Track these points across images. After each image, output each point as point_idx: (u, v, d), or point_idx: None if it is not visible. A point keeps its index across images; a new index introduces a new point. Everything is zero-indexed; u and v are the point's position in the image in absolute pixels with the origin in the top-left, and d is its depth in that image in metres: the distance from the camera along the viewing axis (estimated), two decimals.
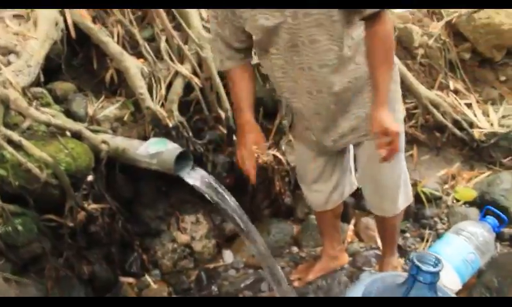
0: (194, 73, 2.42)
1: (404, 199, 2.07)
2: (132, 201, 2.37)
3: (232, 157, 2.46)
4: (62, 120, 2.02)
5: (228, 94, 2.42)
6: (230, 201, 2.08)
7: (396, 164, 1.91)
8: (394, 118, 1.68)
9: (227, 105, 2.44)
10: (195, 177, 2.07)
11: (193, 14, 2.52)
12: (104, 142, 2.06)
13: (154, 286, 2.30)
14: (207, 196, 2.03)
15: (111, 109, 2.34)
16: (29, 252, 1.87)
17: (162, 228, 2.39)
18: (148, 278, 2.31)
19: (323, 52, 1.62)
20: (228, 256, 2.52)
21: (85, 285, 2.08)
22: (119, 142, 2.20)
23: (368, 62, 1.65)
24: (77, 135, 2.03)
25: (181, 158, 2.04)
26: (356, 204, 2.63)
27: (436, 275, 1.22)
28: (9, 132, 1.83)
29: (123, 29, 2.46)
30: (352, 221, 2.62)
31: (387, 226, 2.17)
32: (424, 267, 1.21)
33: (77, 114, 2.23)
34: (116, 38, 2.42)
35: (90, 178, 2.08)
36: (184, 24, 2.49)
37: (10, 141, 1.82)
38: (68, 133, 2.02)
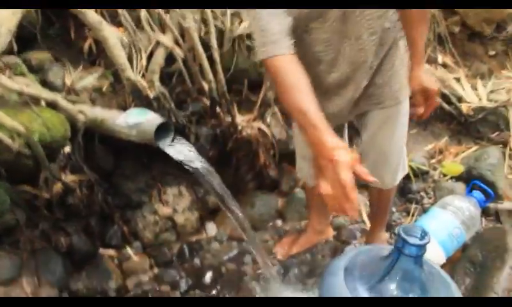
0: (176, 43, 2.32)
1: (402, 171, 2.02)
2: (113, 173, 2.29)
3: (214, 129, 2.38)
4: (36, 89, 1.93)
5: (212, 65, 2.33)
6: (212, 174, 2.01)
7: (402, 134, 1.88)
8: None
9: (210, 76, 2.34)
10: (176, 148, 2.00)
11: None
12: (81, 112, 1.97)
13: (135, 258, 2.23)
14: (187, 167, 1.96)
15: (89, 80, 2.25)
16: (2, 224, 1.79)
17: (143, 200, 2.31)
18: (129, 250, 2.24)
19: (375, 19, 1.50)
20: (211, 228, 2.45)
21: (63, 257, 2.00)
22: (97, 112, 2.11)
23: (406, 22, 1.55)
24: (52, 105, 1.93)
25: (162, 130, 1.96)
26: None
27: (422, 248, 1.16)
28: None
29: None
30: None
31: (382, 198, 2.10)
32: (411, 240, 1.14)
33: (54, 84, 2.13)
34: None
35: (67, 149, 2.01)
36: None
37: None
38: (43, 103, 1.92)
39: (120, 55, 2.20)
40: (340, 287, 1.21)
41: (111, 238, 2.25)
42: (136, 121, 1.97)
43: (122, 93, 2.26)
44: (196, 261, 2.28)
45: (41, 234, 1.91)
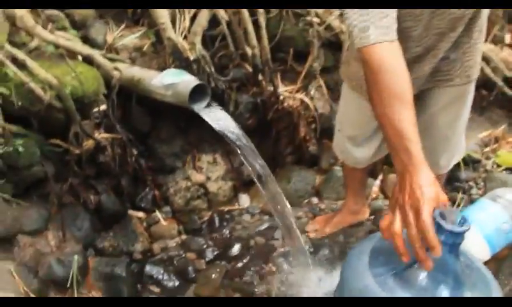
0: None
1: (458, 155, 1.85)
2: (148, 135, 2.23)
3: (255, 97, 2.27)
4: (72, 43, 1.87)
5: (257, 30, 2.20)
6: (247, 144, 1.91)
7: (466, 116, 1.70)
8: None
9: (254, 42, 2.21)
10: (211, 114, 1.90)
11: None
12: (117, 69, 1.91)
13: (164, 223, 2.18)
14: (221, 134, 1.86)
15: (131, 38, 2.17)
16: (32, 176, 1.77)
17: (177, 165, 2.24)
18: (158, 214, 2.19)
19: None
20: (244, 200, 2.36)
21: (91, 214, 1.97)
22: (134, 71, 2.04)
23: None
24: (88, 60, 1.89)
25: (198, 93, 1.88)
26: (386, 159, 2.38)
27: (459, 236, 0.97)
28: (14, 51, 1.71)
29: None
30: (380, 177, 2.39)
31: None
32: (447, 226, 0.97)
33: (95, 41, 2.08)
34: None
35: (103, 106, 1.95)
36: None
37: (15, 60, 1.70)
38: (79, 57, 1.88)
39: (162, 14, 2.12)
40: (363, 271, 1.07)
41: (141, 200, 2.20)
42: (172, 81, 1.89)
43: (163, 54, 2.17)
44: (225, 231, 2.20)
45: (70, 189, 1.88)
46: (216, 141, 2.31)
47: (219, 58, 2.26)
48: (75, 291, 1.70)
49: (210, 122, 1.86)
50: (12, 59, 1.68)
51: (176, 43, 2.09)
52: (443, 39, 1.41)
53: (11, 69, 1.65)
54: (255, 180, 1.89)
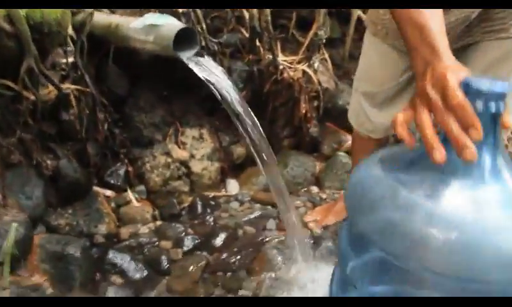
0: None
1: None
2: (125, 102, 1.86)
3: (251, 66, 1.91)
4: None
5: None
6: (245, 109, 1.55)
7: None
8: None
9: None
10: (200, 64, 1.54)
11: None
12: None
13: (136, 205, 1.78)
14: (212, 90, 1.50)
15: None
16: None
17: (156, 137, 1.87)
18: (130, 194, 1.79)
19: None
20: (232, 186, 1.97)
21: (45, 182, 1.57)
22: (112, 18, 1.70)
23: None
24: None
25: (185, 43, 1.53)
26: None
27: (499, 99, 0.60)
28: None
29: None
30: None
31: None
32: (484, 86, 0.60)
33: None
34: None
35: (70, 49, 1.59)
36: None
37: None
38: None
39: None
40: (373, 170, 0.68)
41: (111, 175, 1.81)
42: (154, 23, 1.54)
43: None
44: (209, 219, 1.81)
45: (20, 144, 1.49)
46: (204, 113, 1.95)
47: (211, 19, 1.92)
48: (7, 271, 1.29)
49: (198, 73, 1.50)
50: None
51: None
52: None
53: None
54: (255, 155, 1.52)
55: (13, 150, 1.46)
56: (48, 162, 1.59)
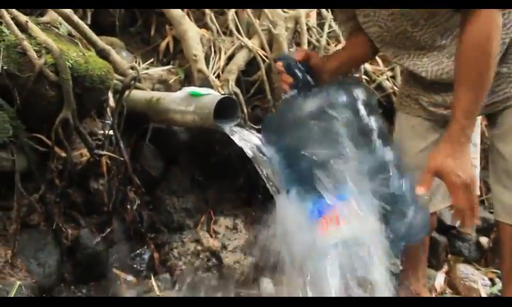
0: (262, 49, 1.83)
1: None
2: (158, 183, 1.67)
3: None
4: (91, 33, 1.44)
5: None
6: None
7: None
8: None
9: None
10: (242, 136, 1.38)
11: None
12: (133, 68, 1.44)
13: (157, 294, 1.48)
14: (251, 157, 1.31)
15: (156, 70, 1.77)
16: None
17: (187, 223, 1.63)
18: (153, 281, 1.51)
19: None
20: (266, 285, 1.67)
21: (61, 252, 1.32)
22: (154, 93, 1.59)
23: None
24: (103, 54, 1.44)
25: (226, 117, 1.39)
26: (450, 245, 1.76)
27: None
28: (17, 12, 1.27)
29: None
30: (445, 268, 1.72)
31: None
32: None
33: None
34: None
35: (108, 122, 1.44)
36: None
37: (18, 24, 1.24)
38: (92, 50, 1.43)
39: (195, 47, 1.76)
40: None
41: (134, 259, 1.54)
42: (196, 92, 1.41)
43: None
44: None
45: (41, 204, 1.26)
46: (239, 203, 1.73)
47: (252, 108, 1.81)
48: None
49: (239, 143, 1.33)
50: (13, 19, 1.23)
51: (207, 76, 1.67)
52: None
53: (7, 20, 1.19)
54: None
55: (33, 210, 1.24)
56: (69, 231, 1.35)
